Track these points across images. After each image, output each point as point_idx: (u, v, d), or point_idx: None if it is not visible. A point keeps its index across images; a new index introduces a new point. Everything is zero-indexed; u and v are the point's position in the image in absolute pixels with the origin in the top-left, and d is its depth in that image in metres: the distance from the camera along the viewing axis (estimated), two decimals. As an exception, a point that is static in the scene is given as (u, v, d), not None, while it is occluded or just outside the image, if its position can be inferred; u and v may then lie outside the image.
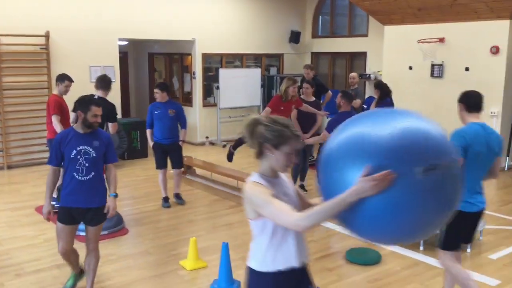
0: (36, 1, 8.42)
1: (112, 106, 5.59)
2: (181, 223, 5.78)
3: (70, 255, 3.85)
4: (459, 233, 3.57)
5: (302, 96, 6.87)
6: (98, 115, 3.64)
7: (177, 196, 6.53)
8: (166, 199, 6.38)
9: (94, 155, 3.64)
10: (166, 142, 6.28)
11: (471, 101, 3.56)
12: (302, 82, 7.22)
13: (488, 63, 8.28)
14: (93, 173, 3.65)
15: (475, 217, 3.55)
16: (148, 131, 6.42)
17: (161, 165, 6.35)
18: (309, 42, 12.08)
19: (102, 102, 5.52)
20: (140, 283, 4.25)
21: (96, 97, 5.60)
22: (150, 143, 6.39)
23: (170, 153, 6.35)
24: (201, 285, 4.23)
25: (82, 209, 3.67)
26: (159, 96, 6.25)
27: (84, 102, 3.64)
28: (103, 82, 5.69)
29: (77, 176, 3.62)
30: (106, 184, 3.84)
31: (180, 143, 6.45)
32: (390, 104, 7.15)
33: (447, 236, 3.57)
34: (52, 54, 8.57)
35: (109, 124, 5.63)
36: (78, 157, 3.59)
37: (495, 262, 4.73)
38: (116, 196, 3.79)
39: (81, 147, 3.61)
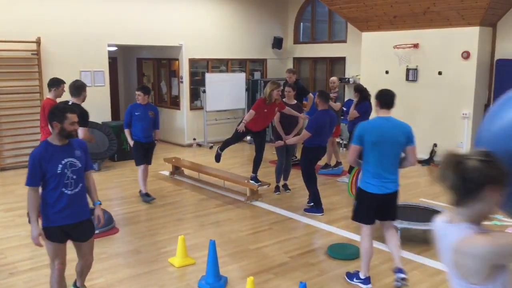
0: (28, 8, 8.57)
1: (84, 112, 5.53)
2: (170, 221, 5.95)
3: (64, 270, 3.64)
4: (363, 208, 4.06)
5: (284, 99, 7.10)
6: (75, 121, 3.42)
7: (147, 194, 6.88)
8: (147, 195, 6.77)
9: (80, 165, 3.46)
10: (146, 141, 6.73)
11: (383, 99, 4.04)
12: (285, 86, 7.48)
13: (460, 67, 8.65)
14: (80, 185, 3.48)
15: (378, 197, 3.98)
16: (126, 131, 6.77)
17: (142, 161, 6.76)
18: (291, 47, 12.39)
19: (76, 108, 5.67)
20: (130, 280, 4.33)
21: (70, 103, 5.62)
22: (131, 142, 6.77)
23: (148, 151, 6.80)
24: (189, 281, 4.34)
25: (75, 224, 3.48)
26: (142, 98, 6.69)
27: (58, 111, 3.37)
28: (74, 89, 5.75)
29: (66, 191, 3.39)
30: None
31: (156, 142, 6.96)
32: (369, 107, 7.47)
33: (356, 209, 4.14)
34: (43, 59, 8.75)
35: (79, 129, 5.46)
36: (65, 170, 3.37)
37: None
38: (100, 204, 3.67)
39: (66, 160, 3.38)
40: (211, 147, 10.73)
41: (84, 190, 3.56)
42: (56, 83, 6.09)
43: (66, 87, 6.20)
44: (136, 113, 6.66)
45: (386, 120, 4.00)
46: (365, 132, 3.97)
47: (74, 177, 3.41)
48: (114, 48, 11.05)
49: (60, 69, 8.60)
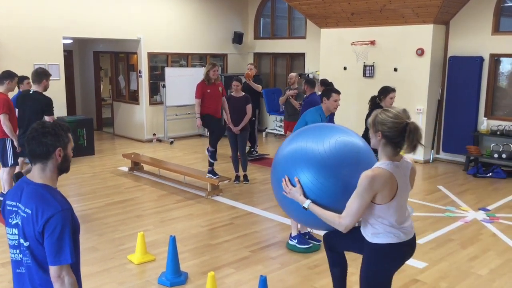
0: (-22, 0, 8.23)
1: (48, 100, 5.62)
2: (129, 218, 5.87)
3: None
4: None
5: (232, 93, 7.33)
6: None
7: None
8: None
9: None
10: None
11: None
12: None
13: (414, 64, 8.91)
14: None
15: None
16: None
17: None
18: (252, 43, 12.43)
19: (38, 96, 5.60)
20: (87, 278, 4.18)
21: (31, 91, 5.64)
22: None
23: None
24: (149, 278, 4.29)
25: None
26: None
27: (62, 130, 2.18)
28: (34, 75, 5.65)
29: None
30: None
31: None
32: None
33: None
34: (-6, 52, 8.43)
35: (46, 118, 5.59)
36: None
37: (422, 246, 5.05)
38: None
39: None
40: (171, 143, 10.64)
41: None
42: (9, 76, 5.92)
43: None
44: None
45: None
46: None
47: None
48: (70, 41, 10.76)
49: (13, 61, 8.31)
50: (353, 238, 2.86)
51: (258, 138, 9.58)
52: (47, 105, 5.58)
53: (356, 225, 2.74)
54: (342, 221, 2.62)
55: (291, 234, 5.06)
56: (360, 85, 9.65)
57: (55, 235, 2.03)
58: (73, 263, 2.10)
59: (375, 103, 5.66)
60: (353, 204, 2.58)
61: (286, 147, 2.97)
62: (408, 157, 2.77)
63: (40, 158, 2.13)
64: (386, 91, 5.59)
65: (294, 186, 2.82)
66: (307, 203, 2.75)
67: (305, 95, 7.27)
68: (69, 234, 2.05)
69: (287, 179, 2.83)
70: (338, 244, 3.13)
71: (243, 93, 7.41)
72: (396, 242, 2.69)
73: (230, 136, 7.37)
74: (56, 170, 2.17)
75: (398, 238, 2.69)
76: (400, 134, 2.55)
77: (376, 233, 2.70)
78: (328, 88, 4.99)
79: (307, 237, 5.02)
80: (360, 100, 9.46)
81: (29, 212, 2.06)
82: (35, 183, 2.14)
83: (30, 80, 5.84)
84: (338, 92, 4.94)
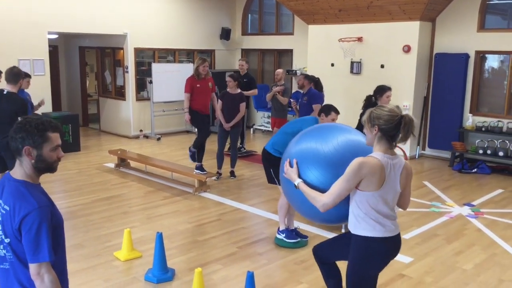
0: (-41, -7, 8.09)
1: (22, 101, 5.39)
2: (115, 215, 5.83)
3: None
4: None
5: (228, 90, 7.26)
6: (60, 145, 2.17)
7: None
8: None
9: None
10: None
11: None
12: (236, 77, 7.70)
13: (401, 60, 8.96)
14: None
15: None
16: None
17: None
18: (239, 39, 12.40)
19: (14, 97, 5.46)
20: (73, 275, 4.09)
21: (5, 92, 5.43)
22: None
23: None
24: (135, 274, 4.27)
25: None
26: None
27: (33, 128, 2.06)
28: (10, 75, 5.43)
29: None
30: None
31: None
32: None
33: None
34: (-23, 47, 8.30)
35: None
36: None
37: (408, 241, 5.08)
38: None
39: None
40: (158, 139, 10.59)
41: None
42: None
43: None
44: None
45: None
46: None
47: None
48: (55, 36, 10.63)
49: (-5, 57, 8.21)
50: (341, 246, 2.91)
51: (246, 135, 9.57)
52: (22, 107, 5.37)
53: (343, 231, 2.78)
54: (323, 198, 2.70)
55: (279, 228, 5.07)
56: (347, 82, 9.68)
57: (32, 232, 2.00)
58: (55, 260, 2.07)
59: (370, 102, 5.63)
60: (337, 185, 2.67)
61: (293, 148, 3.03)
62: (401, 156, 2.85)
63: (14, 153, 2.11)
64: (383, 90, 5.60)
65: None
66: (297, 181, 2.86)
67: (296, 90, 7.25)
68: (46, 232, 2.01)
69: (288, 161, 2.96)
70: (327, 254, 3.19)
71: (239, 91, 7.32)
72: (377, 236, 2.72)
73: (221, 132, 7.33)
74: (32, 168, 2.11)
75: (379, 232, 2.73)
76: (396, 127, 2.63)
77: (358, 224, 2.75)
78: (327, 106, 4.85)
79: (294, 233, 5.03)
80: (347, 97, 9.50)
81: (8, 208, 2.05)
82: (16, 179, 2.12)
83: (3, 79, 5.58)
84: (337, 112, 4.80)
